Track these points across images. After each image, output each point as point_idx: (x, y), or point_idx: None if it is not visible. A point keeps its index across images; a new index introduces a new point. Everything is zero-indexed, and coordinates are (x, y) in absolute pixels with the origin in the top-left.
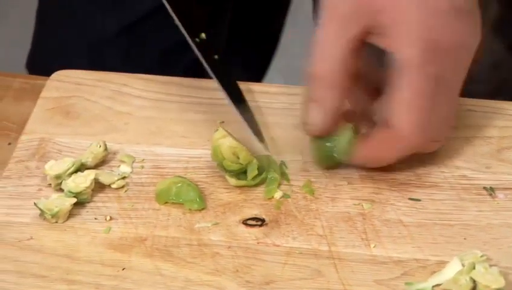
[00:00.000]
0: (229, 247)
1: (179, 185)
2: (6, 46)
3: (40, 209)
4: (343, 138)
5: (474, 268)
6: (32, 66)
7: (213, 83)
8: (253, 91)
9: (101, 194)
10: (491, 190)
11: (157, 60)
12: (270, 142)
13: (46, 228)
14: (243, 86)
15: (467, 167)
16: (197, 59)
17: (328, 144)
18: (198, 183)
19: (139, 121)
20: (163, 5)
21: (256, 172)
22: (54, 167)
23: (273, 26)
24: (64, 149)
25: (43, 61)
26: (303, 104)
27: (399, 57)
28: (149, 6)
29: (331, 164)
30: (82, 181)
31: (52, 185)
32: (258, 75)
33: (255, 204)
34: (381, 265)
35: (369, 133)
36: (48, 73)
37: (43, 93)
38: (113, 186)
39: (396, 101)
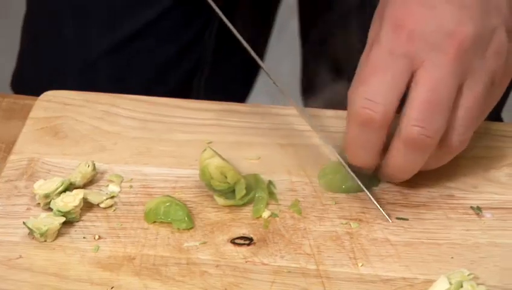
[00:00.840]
0: (218, 266)
1: (167, 204)
2: None
3: (29, 228)
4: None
5: (461, 287)
6: (18, 85)
7: (200, 104)
8: (240, 112)
9: (89, 214)
10: (478, 210)
11: (149, 76)
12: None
13: (35, 246)
14: (228, 106)
15: (454, 186)
16: (188, 75)
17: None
18: (187, 203)
19: (127, 141)
20: (154, 22)
21: (244, 191)
22: (42, 187)
23: (257, 44)
24: (53, 169)
25: (30, 81)
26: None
27: None
28: (140, 24)
29: (342, 192)
30: (71, 200)
31: (41, 205)
32: (242, 94)
33: (243, 223)
34: (369, 284)
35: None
36: (34, 93)
37: (32, 113)
38: (102, 205)
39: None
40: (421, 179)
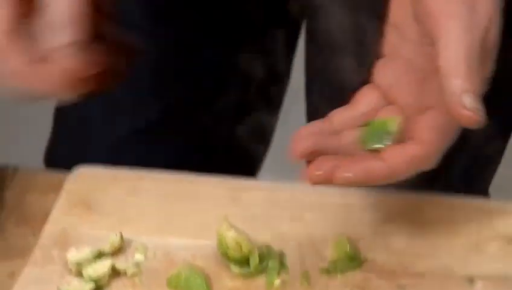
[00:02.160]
0: None
1: (188, 272)
2: (29, 142)
3: None
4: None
5: None
6: (50, 161)
7: (218, 181)
8: (252, 188)
9: (117, 280)
10: (470, 280)
11: (169, 159)
12: None
13: None
14: (242, 183)
15: (447, 257)
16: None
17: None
18: (205, 270)
19: (152, 214)
20: (172, 111)
21: (257, 261)
22: (75, 255)
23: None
24: (84, 238)
25: (61, 158)
26: None
27: None
28: (161, 111)
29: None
30: (100, 268)
31: (73, 271)
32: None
33: None
34: None
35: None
36: (65, 168)
37: (65, 187)
38: (128, 273)
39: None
40: (416, 249)
